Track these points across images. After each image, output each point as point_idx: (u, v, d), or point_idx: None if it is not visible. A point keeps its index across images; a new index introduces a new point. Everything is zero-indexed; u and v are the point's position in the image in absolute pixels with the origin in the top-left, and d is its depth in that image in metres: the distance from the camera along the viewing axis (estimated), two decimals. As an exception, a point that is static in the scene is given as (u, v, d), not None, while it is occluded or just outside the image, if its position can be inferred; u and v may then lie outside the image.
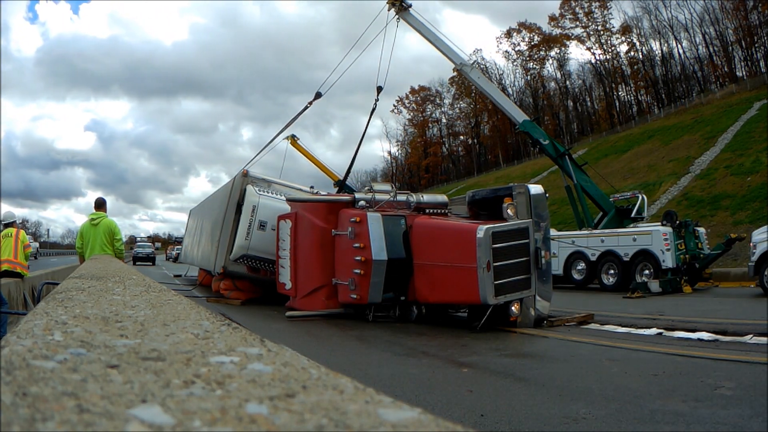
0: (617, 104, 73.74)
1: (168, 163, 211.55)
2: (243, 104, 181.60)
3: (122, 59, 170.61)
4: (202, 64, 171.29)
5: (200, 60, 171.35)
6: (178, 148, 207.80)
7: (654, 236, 14.09)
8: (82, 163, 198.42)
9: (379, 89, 18.03)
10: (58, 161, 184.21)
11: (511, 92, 78.00)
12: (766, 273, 11.56)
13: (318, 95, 19.06)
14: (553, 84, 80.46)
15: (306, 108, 19.54)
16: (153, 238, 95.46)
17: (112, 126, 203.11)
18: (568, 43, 76.11)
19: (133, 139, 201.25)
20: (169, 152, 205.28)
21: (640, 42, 68.67)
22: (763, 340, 6.34)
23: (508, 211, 8.39)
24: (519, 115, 17.87)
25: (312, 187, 12.98)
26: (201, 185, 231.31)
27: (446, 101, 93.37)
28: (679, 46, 65.82)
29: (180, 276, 21.07)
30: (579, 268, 15.82)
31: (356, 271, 8.56)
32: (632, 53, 69.97)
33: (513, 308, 8.07)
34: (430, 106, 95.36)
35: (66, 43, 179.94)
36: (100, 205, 8.22)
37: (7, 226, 8.75)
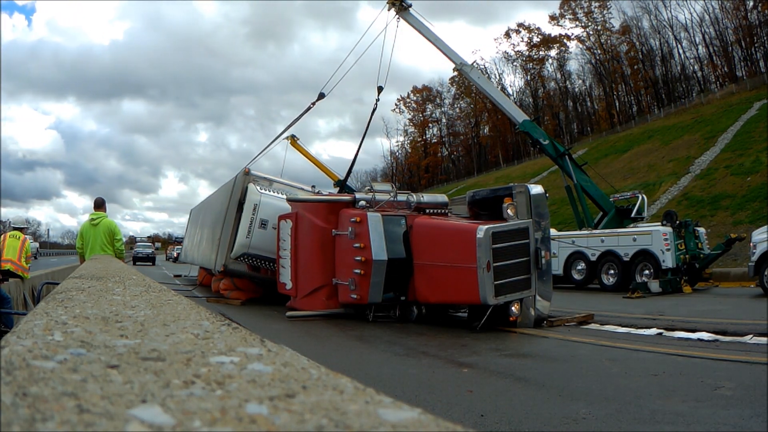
0: (617, 104, 73.75)
1: (135, 164, 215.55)
2: (188, 105, 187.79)
3: (65, 63, 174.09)
4: (141, 66, 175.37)
5: (139, 62, 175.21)
6: (141, 148, 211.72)
7: (654, 236, 14.09)
8: (50, 164, 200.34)
9: (380, 89, 18.00)
10: (29, 162, 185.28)
11: (510, 92, 78.08)
12: (766, 273, 11.56)
13: (321, 96, 19.02)
14: (552, 84, 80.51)
15: (309, 109, 19.52)
16: (153, 238, 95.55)
17: (71, 127, 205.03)
18: (568, 43, 76.21)
19: (97, 141, 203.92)
20: (133, 153, 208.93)
21: (639, 42, 68.69)
22: (763, 340, 6.34)
23: (508, 211, 8.39)
24: (519, 115, 17.86)
25: (313, 187, 12.97)
26: (173, 185, 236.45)
27: (446, 101, 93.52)
28: (679, 46, 65.90)
29: (180, 276, 21.07)
30: (579, 268, 15.81)
31: (356, 271, 8.56)
32: (632, 53, 69.99)
33: (513, 308, 8.07)
34: (430, 106, 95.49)
35: (15, 49, 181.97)
36: (99, 205, 8.23)
37: (15, 229, 8.88)
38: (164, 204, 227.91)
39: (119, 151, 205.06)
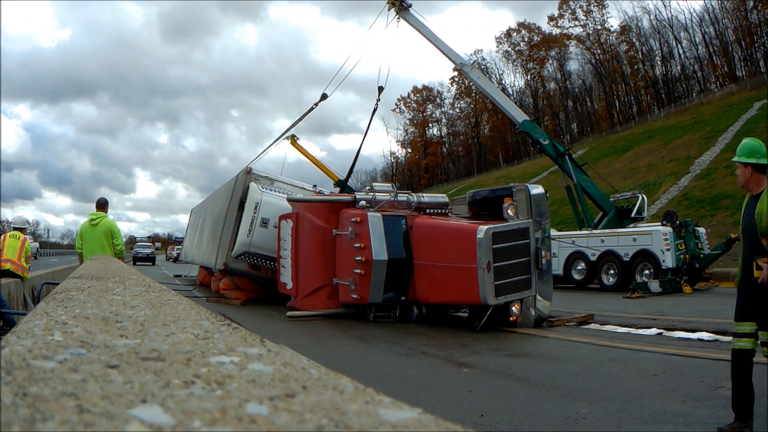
0: (617, 104, 73.72)
1: (106, 164, 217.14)
2: (142, 106, 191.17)
3: (15, 66, 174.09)
4: (90, 69, 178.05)
5: (87, 65, 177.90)
6: (108, 149, 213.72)
7: (654, 236, 14.08)
8: (16, 165, 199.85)
9: (380, 89, 18.02)
10: (7, 163, 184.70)
11: (511, 92, 78.04)
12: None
13: (324, 96, 19.14)
14: (553, 84, 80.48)
15: (312, 109, 19.64)
16: (153, 238, 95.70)
17: (34, 128, 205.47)
18: (568, 42, 76.15)
19: (62, 142, 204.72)
20: (102, 154, 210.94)
21: (639, 42, 68.68)
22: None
23: (509, 211, 8.39)
24: (519, 115, 17.87)
25: (315, 186, 12.98)
26: (149, 185, 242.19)
27: (446, 101, 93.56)
28: (679, 46, 65.87)
29: (180, 276, 21.08)
30: (579, 268, 15.81)
31: (357, 271, 8.56)
32: (632, 53, 69.99)
33: (513, 308, 8.07)
34: (430, 106, 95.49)
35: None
36: (101, 205, 8.17)
37: (15, 230, 8.90)
38: (144, 204, 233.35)
39: (87, 152, 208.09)
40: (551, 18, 76.06)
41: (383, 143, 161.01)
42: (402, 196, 9.67)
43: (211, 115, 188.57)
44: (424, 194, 10.47)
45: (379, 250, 8.50)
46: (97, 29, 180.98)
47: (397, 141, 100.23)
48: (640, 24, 67.75)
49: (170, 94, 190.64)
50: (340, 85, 18.45)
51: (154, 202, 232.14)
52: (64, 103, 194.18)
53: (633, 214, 16.46)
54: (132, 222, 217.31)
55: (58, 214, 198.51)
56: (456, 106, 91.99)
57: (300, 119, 20.35)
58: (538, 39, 79.36)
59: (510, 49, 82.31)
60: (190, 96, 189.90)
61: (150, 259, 41.11)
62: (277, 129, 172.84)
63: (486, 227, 7.71)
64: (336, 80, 18.42)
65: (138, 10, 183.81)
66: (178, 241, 48.74)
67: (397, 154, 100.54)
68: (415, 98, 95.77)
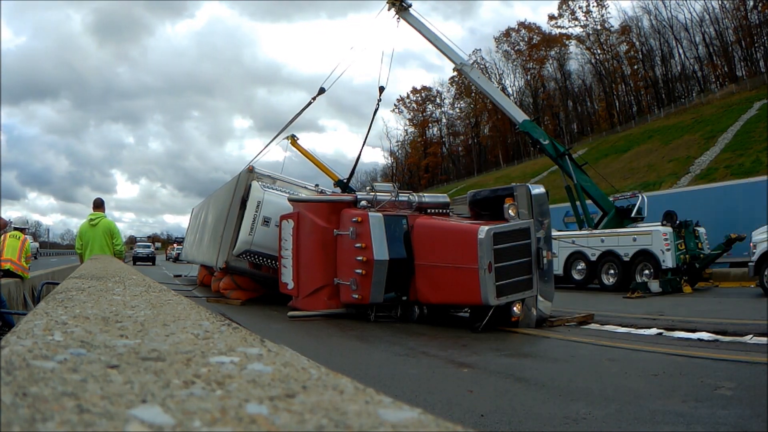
0: (617, 104, 73.75)
1: (80, 164, 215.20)
2: (96, 107, 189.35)
3: None
4: (49, 71, 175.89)
5: (47, 67, 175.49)
6: (76, 150, 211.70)
7: (654, 236, 14.08)
8: None
9: (381, 89, 18.03)
10: None
11: (511, 92, 78.07)
12: (766, 273, 11.55)
13: (322, 90, 19.17)
14: (552, 84, 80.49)
15: (309, 104, 19.66)
16: (153, 238, 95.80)
17: (11, 130, 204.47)
18: (568, 42, 76.22)
19: (34, 143, 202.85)
20: (74, 154, 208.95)
21: (640, 42, 68.70)
22: (763, 340, 6.33)
23: (510, 211, 8.39)
24: (519, 115, 17.87)
25: (317, 185, 12.98)
26: (125, 185, 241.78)
27: (446, 101, 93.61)
28: (679, 46, 65.88)
29: (180, 276, 21.08)
30: (579, 268, 15.81)
31: (358, 271, 8.56)
32: (632, 53, 70.01)
33: (515, 309, 8.06)
34: (430, 106, 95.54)
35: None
36: (98, 205, 8.20)
37: (15, 229, 8.92)
38: (127, 204, 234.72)
39: (61, 152, 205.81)
40: (551, 18, 76.20)
41: (383, 143, 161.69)
42: (403, 196, 9.66)
43: (170, 116, 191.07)
44: (425, 194, 10.46)
45: (380, 250, 8.50)
46: (46, 33, 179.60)
47: (396, 141, 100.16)
48: (640, 24, 67.81)
49: (125, 96, 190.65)
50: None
51: (138, 202, 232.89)
52: (24, 105, 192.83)
53: (633, 214, 16.46)
54: (119, 222, 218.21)
55: (44, 213, 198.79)
56: (456, 106, 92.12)
57: (297, 116, 20.31)
58: (538, 39, 79.39)
59: (510, 48, 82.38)
60: (144, 97, 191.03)
61: (150, 259, 41.12)
62: (238, 128, 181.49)
63: (487, 227, 7.70)
64: (333, 76, 18.45)
65: (75, 12, 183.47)
66: (178, 241, 48.83)
67: (396, 154, 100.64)
68: (414, 98, 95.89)
